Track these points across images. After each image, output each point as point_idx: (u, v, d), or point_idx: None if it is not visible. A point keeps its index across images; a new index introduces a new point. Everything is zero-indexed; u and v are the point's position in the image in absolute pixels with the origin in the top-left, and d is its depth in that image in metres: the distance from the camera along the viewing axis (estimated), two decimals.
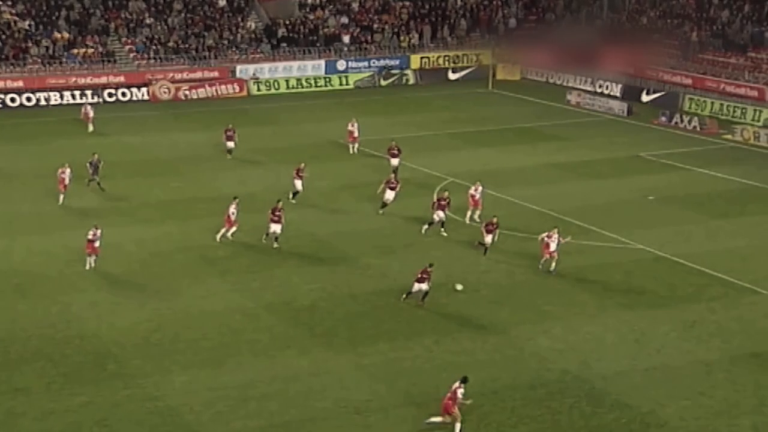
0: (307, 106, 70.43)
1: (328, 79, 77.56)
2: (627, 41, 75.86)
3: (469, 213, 43.48)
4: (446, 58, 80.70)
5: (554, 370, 30.44)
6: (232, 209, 41.27)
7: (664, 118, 63.77)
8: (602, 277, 37.90)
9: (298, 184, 46.68)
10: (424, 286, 34.94)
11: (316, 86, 76.73)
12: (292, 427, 27.40)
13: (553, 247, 37.80)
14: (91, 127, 61.46)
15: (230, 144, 54.82)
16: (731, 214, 45.07)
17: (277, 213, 40.47)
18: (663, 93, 69.05)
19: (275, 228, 40.44)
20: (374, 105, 70.73)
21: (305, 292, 36.55)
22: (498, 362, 31.11)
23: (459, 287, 35.69)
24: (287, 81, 76.29)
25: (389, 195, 44.61)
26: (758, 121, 61.90)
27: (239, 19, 79.99)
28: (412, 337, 32.80)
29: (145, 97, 71.77)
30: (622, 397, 28.69)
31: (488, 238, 39.93)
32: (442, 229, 41.95)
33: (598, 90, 72.34)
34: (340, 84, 77.49)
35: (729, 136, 59.34)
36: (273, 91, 75.29)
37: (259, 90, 75.12)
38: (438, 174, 50.17)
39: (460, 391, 26.98)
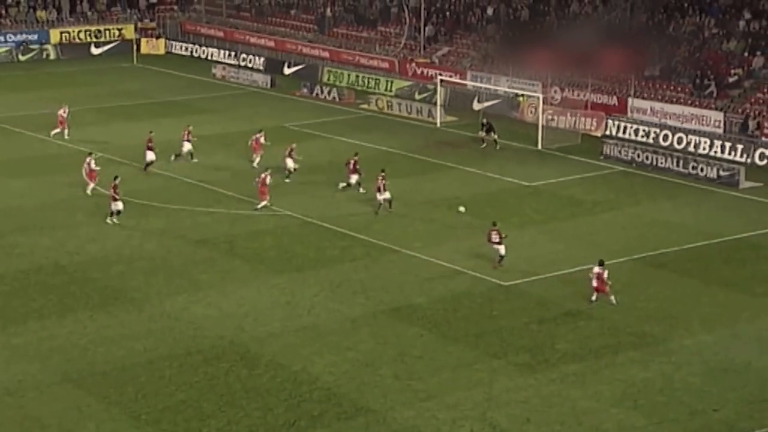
0: None
1: None
2: (267, 17, 78.15)
3: (255, 158, 47.99)
4: (88, 32, 78.97)
5: (210, 336, 31.21)
6: (92, 164, 43.34)
7: (305, 90, 66.03)
8: (254, 243, 39.08)
9: (151, 155, 47.27)
10: (501, 249, 35.99)
11: None
12: None
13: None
14: None
15: None
16: (368, 179, 47.52)
17: (117, 191, 40.17)
18: (303, 66, 71.41)
19: (117, 206, 40.15)
20: (14, 80, 68.21)
21: None
22: (154, 332, 31.48)
23: (462, 209, 39.38)
24: None
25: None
26: (390, 91, 65.59)
27: None
28: (64, 314, 32.51)
29: None
30: (276, 357, 29.89)
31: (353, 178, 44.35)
32: (390, 208, 42.30)
33: (242, 64, 73.60)
34: None
35: (365, 106, 62.47)
36: None
37: None
38: (85, 149, 49.27)
39: (606, 272, 32.76)
